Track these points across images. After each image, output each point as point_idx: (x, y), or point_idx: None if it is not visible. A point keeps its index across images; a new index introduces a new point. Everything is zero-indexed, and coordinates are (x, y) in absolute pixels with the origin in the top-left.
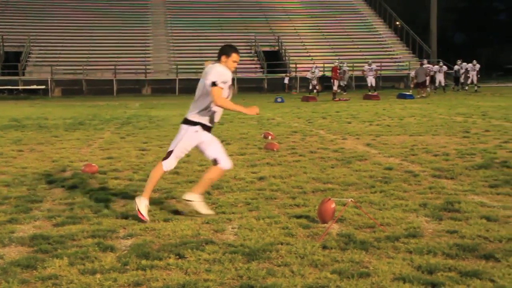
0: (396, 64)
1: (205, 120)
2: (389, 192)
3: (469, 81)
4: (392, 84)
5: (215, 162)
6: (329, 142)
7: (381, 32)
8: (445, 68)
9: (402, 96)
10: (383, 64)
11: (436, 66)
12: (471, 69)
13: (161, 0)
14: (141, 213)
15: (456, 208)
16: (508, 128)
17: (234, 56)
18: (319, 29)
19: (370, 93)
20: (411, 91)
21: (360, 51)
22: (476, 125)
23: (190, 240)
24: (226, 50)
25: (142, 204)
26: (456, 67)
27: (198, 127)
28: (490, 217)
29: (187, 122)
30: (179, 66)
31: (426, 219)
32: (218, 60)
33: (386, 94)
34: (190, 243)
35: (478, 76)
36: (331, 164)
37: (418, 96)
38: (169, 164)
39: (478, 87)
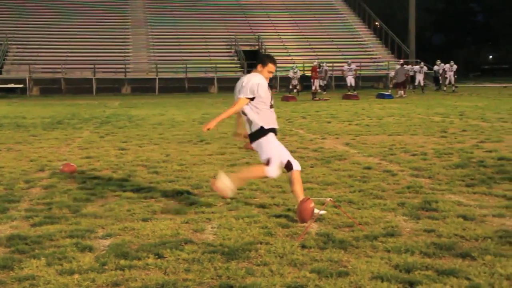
0: (375, 64)
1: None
2: (367, 192)
3: (446, 82)
4: (371, 84)
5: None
6: (309, 142)
7: (360, 32)
8: (425, 68)
9: (381, 96)
10: (362, 64)
11: (417, 67)
12: (448, 69)
13: None
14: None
15: (433, 207)
16: (485, 128)
17: (270, 66)
18: (299, 28)
19: (349, 93)
20: (390, 91)
21: (339, 51)
22: (454, 125)
23: (169, 240)
24: (263, 60)
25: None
26: (435, 68)
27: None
28: (466, 216)
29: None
30: (159, 65)
31: (404, 218)
32: (255, 68)
33: (366, 94)
34: (169, 243)
35: (455, 76)
36: (310, 164)
37: (397, 96)
38: (272, 172)
39: (456, 87)
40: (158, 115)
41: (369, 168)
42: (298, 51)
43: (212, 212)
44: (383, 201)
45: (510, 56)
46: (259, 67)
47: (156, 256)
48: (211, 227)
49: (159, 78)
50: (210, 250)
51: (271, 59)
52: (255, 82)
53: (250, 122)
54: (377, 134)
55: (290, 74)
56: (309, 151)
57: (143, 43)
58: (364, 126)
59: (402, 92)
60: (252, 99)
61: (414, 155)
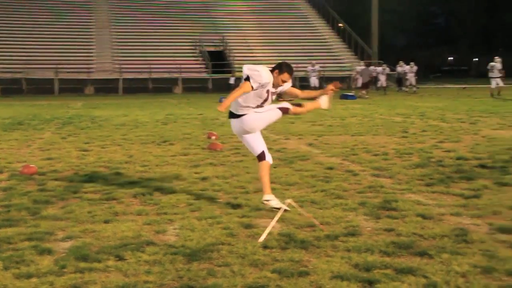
0: (339, 65)
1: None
2: (329, 192)
3: (407, 83)
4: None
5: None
6: (272, 142)
7: (324, 34)
8: (387, 70)
9: (344, 97)
10: (326, 65)
11: (380, 68)
12: (409, 70)
13: None
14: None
15: (393, 206)
16: (444, 128)
17: (286, 76)
18: (264, 29)
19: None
20: (353, 91)
21: (303, 52)
22: (414, 125)
23: (130, 242)
24: (281, 67)
25: (273, 202)
26: (398, 69)
27: None
28: (425, 215)
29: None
30: (123, 66)
31: (364, 218)
32: (272, 71)
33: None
34: (130, 245)
35: (416, 77)
36: (273, 164)
37: (360, 94)
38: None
39: (417, 88)
40: (122, 116)
41: (331, 168)
42: (262, 52)
43: (175, 213)
44: (345, 200)
45: (469, 58)
46: (275, 72)
47: (117, 258)
48: (173, 228)
49: (123, 79)
50: (171, 251)
51: (289, 69)
52: (267, 78)
53: (238, 103)
54: (340, 134)
55: None
56: (273, 152)
57: (107, 43)
58: (327, 127)
59: (365, 92)
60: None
61: (375, 155)
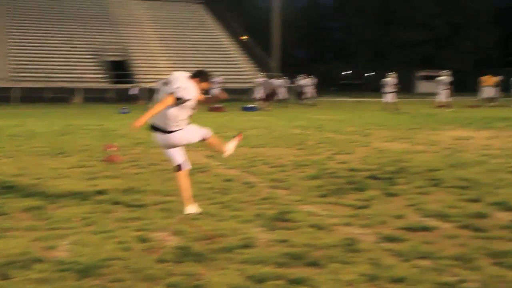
0: (241, 77)
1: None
2: (227, 204)
3: (307, 96)
4: (237, 96)
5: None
6: None
7: (227, 46)
8: (288, 82)
9: (246, 109)
10: (228, 77)
11: (281, 80)
12: (309, 83)
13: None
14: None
15: (288, 218)
16: (339, 141)
17: (206, 84)
18: (167, 40)
19: (215, 105)
20: (255, 103)
21: (206, 64)
22: (312, 137)
23: (17, 259)
24: (203, 75)
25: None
26: (298, 82)
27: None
28: (318, 226)
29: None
30: (19, 74)
31: (260, 229)
32: (192, 77)
33: (231, 106)
34: (17, 262)
35: (316, 90)
36: (172, 176)
37: (261, 106)
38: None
39: (316, 101)
40: (16, 126)
41: (229, 180)
42: (165, 62)
43: (68, 228)
44: (241, 212)
45: (364, 72)
46: (196, 80)
47: (2, 277)
48: (65, 244)
49: (19, 87)
50: (61, 268)
51: (209, 77)
52: (194, 91)
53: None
54: (240, 146)
55: (158, 85)
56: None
57: (2, 50)
58: (228, 139)
59: (267, 105)
60: (178, 100)
61: (273, 166)
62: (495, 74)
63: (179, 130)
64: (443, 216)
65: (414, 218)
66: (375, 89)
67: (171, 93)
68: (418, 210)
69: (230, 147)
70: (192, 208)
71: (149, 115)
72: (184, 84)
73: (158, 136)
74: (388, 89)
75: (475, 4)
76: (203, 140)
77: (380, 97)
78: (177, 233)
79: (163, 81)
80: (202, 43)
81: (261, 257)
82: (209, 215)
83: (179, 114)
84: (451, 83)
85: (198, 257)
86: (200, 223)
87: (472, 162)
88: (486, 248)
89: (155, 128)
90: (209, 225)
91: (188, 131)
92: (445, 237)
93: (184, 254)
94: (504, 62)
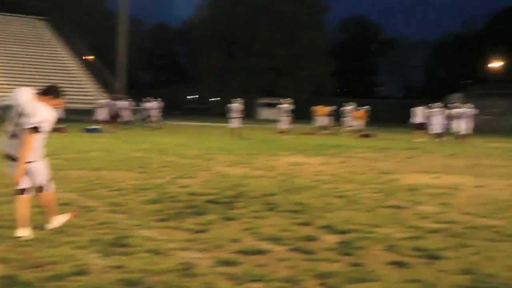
0: (86, 97)
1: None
2: (61, 229)
3: (153, 118)
4: (81, 117)
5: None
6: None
7: (71, 66)
8: (133, 104)
9: (89, 130)
10: (71, 97)
11: (126, 102)
12: (155, 107)
13: None
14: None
15: (125, 243)
16: (182, 165)
17: (58, 101)
18: (5, 56)
19: (59, 126)
20: (99, 125)
21: (47, 82)
22: (154, 160)
23: None
24: (56, 91)
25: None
26: (145, 105)
27: None
28: (155, 251)
29: None
30: None
31: (95, 255)
32: (43, 94)
33: (74, 127)
34: None
35: (162, 114)
36: (3, 200)
37: (104, 128)
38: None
39: (161, 124)
40: None
41: (66, 204)
42: (3, 80)
43: None
44: (76, 238)
45: (209, 97)
46: (48, 98)
47: None
48: None
49: None
50: None
51: (59, 93)
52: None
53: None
54: (80, 168)
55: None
56: (4, 187)
57: None
58: (67, 160)
59: (110, 127)
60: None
61: (113, 190)
62: (328, 104)
63: (33, 161)
64: (276, 240)
65: (249, 242)
66: (220, 114)
67: (34, 128)
68: (253, 233)
69: (59, 220)
70: (24, 232)
71: (23, 160)
72: (44, 115)
73: (11, 164)
74: (234, 114)
75: (311, 37)
76: (40, 190)
77: (224, 122)
78: (2, 261)
79: (10, 100)
80: (43, 61)
81: (95, 284)
82: (40, 241)
83: (36, 143)
84: (292, 111)
85: (26, 287)
86: (30, 250)
87: (305, 187)
88: (313, 270)
89: (8, 157)
90: (40, 251)
91: (39, 169)
92: (277, 260)
93: (9, 284)
94: (337, 93)
